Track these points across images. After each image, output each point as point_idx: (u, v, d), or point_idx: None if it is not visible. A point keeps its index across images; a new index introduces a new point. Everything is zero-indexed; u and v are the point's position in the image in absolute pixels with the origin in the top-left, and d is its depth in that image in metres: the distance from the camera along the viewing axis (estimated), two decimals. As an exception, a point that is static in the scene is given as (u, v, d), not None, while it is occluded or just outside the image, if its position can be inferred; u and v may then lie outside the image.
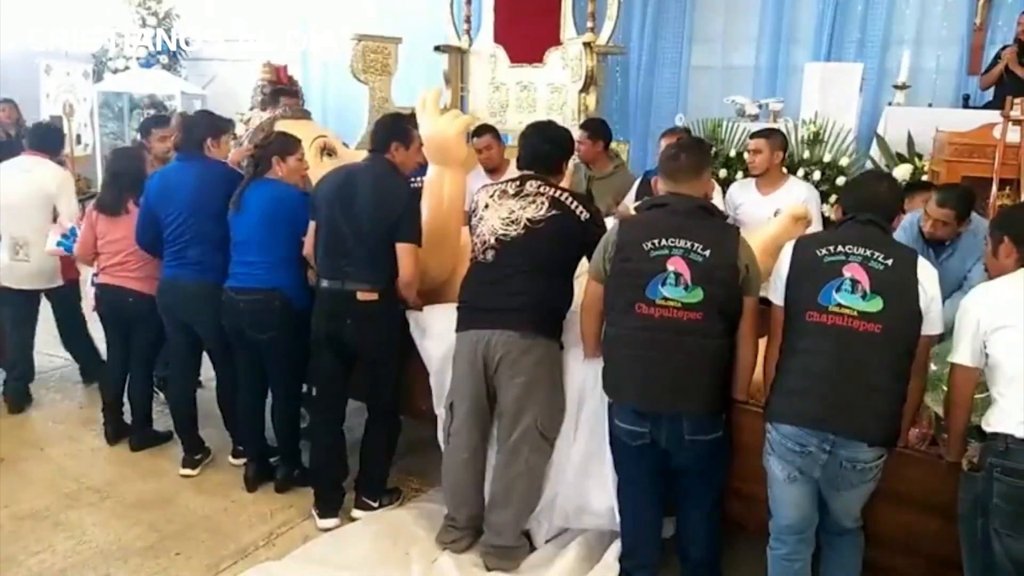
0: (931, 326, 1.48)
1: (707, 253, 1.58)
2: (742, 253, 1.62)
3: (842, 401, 1.44)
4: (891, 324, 1.43)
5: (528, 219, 1.82)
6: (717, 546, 1.78)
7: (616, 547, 1.87)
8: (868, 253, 1.47)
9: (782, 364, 1.55)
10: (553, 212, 1.82)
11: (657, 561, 1.80)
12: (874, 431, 1.45)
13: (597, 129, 2.97)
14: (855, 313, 1.44)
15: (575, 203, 1.85)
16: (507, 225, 1.83)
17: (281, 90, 3.20)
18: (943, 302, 1.50)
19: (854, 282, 1.45)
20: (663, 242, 1.59)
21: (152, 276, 2.39)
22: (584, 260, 1.87)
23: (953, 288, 2.06)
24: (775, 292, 1.59)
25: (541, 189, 1.86)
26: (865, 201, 1.56)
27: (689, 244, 1.59)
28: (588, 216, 1.85)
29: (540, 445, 1.85)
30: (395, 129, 2.04)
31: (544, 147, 1.92)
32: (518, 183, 1.89)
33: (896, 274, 1.45)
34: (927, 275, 1.47)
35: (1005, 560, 1.33)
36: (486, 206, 1.89)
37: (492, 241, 1.84)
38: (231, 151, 2.60)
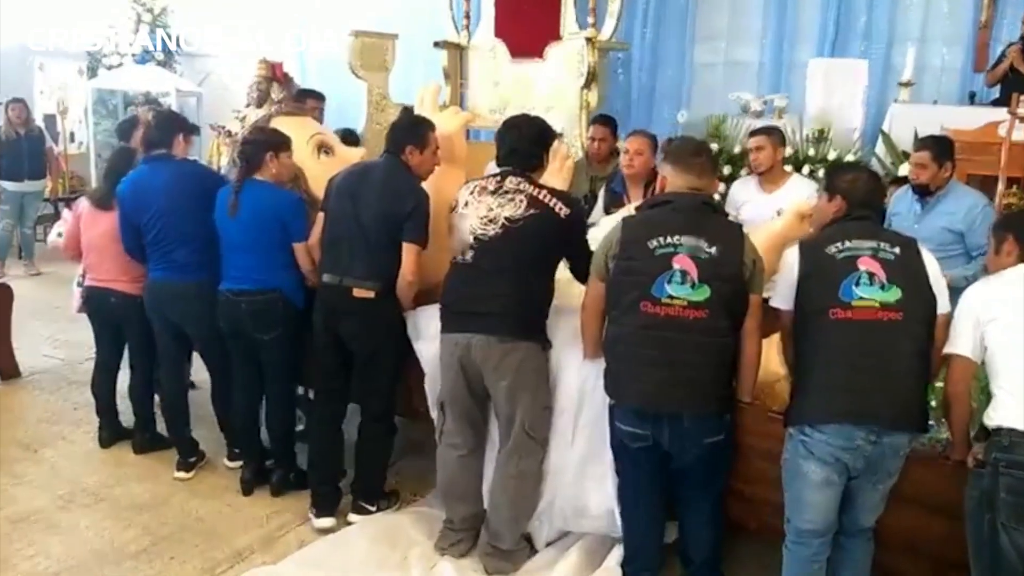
0: (943, 304, 1.51)
1: (713, 250, 1.57)
2: (747, 250, 1.61)
3: (881, 392, 1.45)
4: (910, 309, 1.46)
5: (506, 218, 1.78)
6: (719, 549, 1.77)
7: (618, 552, 1.85)
8: (876, 244, 1.50)
9: (805, 366, 1.54)
10: (532, 211, 1.78)
11: (658, 565, 1.78)
12: (914, 416, 1.47)
13: (615, 125, 2.92)
14: (877, 304, 1.46)
15: (554, 200, 1.81)
16: (485, 224, 1.79)
17: (307, 92, 3.18)
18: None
19: (871, 274, 1.47)
20: (668, 239, 1.58)
21: (134, 276, 2.35)
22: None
23: (934, 241, 2.17)
24: (781, 298, 1.58)
25: (520, 187, 1.82)
26: (863, 200, 1.59)
27: (695, 241, 1.57)
28: (568, 212, 1.81)
29: (530, 447, 1.83)
30: (410, 132, 2.01)
31: (519, 143, 1.88)
32: (498, 179, 1.86)
33: (906, 260, 1.49)
34: (930, 257, 1.53)
35: (1013, 555, 1.33)
36: (466, 203, 1.86)
37: (471, 241, 1.81)
38: (223, 152, 2.58)
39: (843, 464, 1.47)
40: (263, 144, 2.11)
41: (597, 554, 1.90)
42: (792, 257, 1.57)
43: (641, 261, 1.58)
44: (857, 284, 1.46)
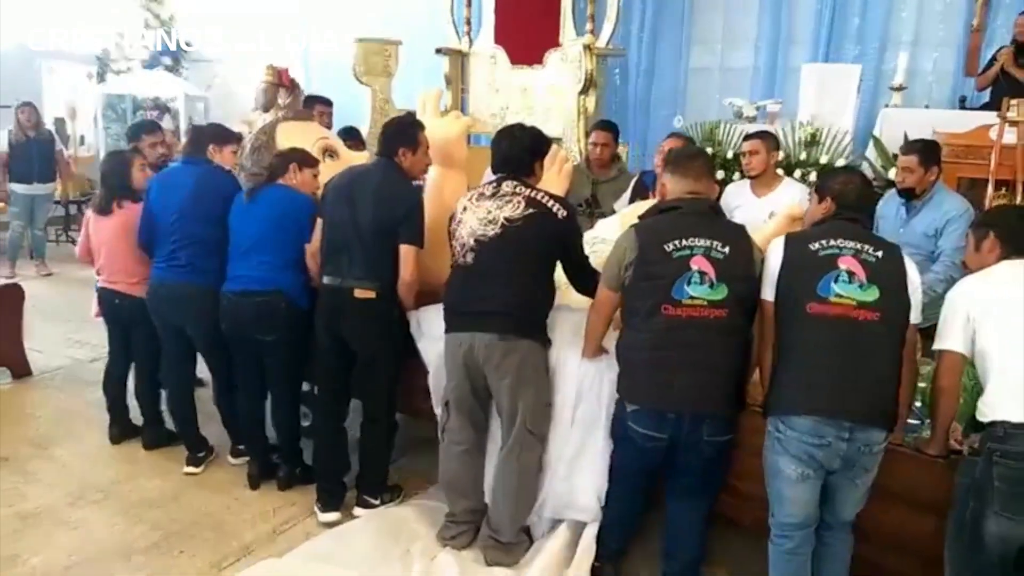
0: (915, 314, 1.55)
1: (726, 250, 1.61)
2: (755, 249, 1.66)
3: (853, 389, 1.47)
4: (888, 312, 1.49)
5: (505, 218, 1.82)
6: (704, 548, 1.79)
7: (592, 531, 1.88)
8: (859, 246, 1.53)
9: (782, 359, 1.56)
10: (530, 211, 1.82)
11: (630, 535, 1.86)
12: (884, 415, 1.49)
13: (617, 131, 2.96)
14: (854, 303, 1.48)
15: (552, 201, 1.85)
16: (485, 225, 1.83)
17: (315, 97, 3.24)
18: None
19: (850, 273, 1.50)
20: (684, 242, 1.61)
21: (140, 278, 2.40)
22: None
23: (917, 246, 2.26)
24: (765, 288, 1.61)
25: (517, 189, 1.86)
26: (853, 204, 1.62)
27: (709, 242, 1.61)
28: (565, 214, 1.85)
29: (530, 443, 1.87)
30: (402, 134, 2.05)
31: (512, 151, 1.93)
32: (495, 184, 1.90)
33: (887, 265, 1.52)
34: (911, 266, 1.56)
35: (994, 544, 1.36)
36: (464, 209, 1.91)
37: (471, 243, 1.85)
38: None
39: (817, 461, 1.49)
40: (291, 156, 2.21)
41: (578, 536, 1.92)
42: (776, 249, 1.60)
43: (659, 265, 1.61)
44: (836, 281, 1.49)
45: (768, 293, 1.60)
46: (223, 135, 2.42)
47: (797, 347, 1.53)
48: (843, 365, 1.48)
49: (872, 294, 1.48)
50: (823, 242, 1.54)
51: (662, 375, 1.61)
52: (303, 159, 2.23)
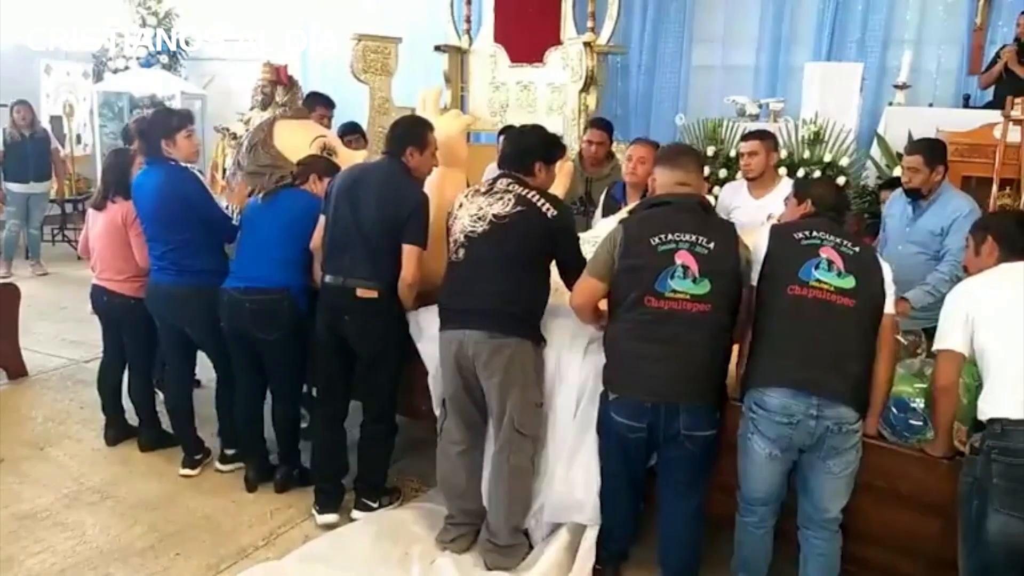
0: (889, 305, 1.63)
1: (711, 246, 1.64)
2: (740, 246, 1.69)
3: (823, 365, 1.54)
4: (862, 300, 1.58)
5: (494, 215, 1.82)
6: (699, 555, 1.78)
7: (592, 534, 1.87)
8: (838, 240, 1.63)
9: (758, 338, 1.63)
10: (519, 208, 1.82)
11: (630, 537, 1.89)
12: (852, 393, 1.55)
13: (612, 129, 2.97)
14: (832, 288, 1.57)
15: (542, 200, 1.84)
16: (475, 222, 1.84)
17: (317, 96, 3.20)
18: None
19: (830, 262, 1.59)
20: (669, 237, 1.64)
21: (127, 276, 2.38)
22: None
23: (924, 245, 2.31)
24: (753, 276, 1.67)
25: (509, 187, 1.86)
26: (830, 205, 1.74)
27: (694, 238, 1.64)
28: (555, 213, 1.84)
29: (520, 443, 1.85)
30: (411, 133, 2.04)
31: (514, 149, 1.94)
32: (490, 182, 1.91)
33: (863, 258, 1.62)
34: (884, 263, 1.67)
35: (999, 540, 1.36)
36: (460, 205, 1.91)
37: (462, 239, 1.85)
38: (227, 154, 2.60)
39: (787, 440, 1.55)
40: (314, 166, 2.25)
41: (578, 540, 1.90)
42: (762, 239, 1.67)
43: (644, 258, 1.64)
44: (816, 268, 1.58)
45: (756, 280, 1.66)
46: (168, 125, 2.25)
47: (773, 325, 1.60)
48: (814, 341, 1.55)
49: (849, 282, 1.56)
50: (806, 232, 1.64)
51: (641, 365, 1.64)
52: (325, 170, 2.25)
